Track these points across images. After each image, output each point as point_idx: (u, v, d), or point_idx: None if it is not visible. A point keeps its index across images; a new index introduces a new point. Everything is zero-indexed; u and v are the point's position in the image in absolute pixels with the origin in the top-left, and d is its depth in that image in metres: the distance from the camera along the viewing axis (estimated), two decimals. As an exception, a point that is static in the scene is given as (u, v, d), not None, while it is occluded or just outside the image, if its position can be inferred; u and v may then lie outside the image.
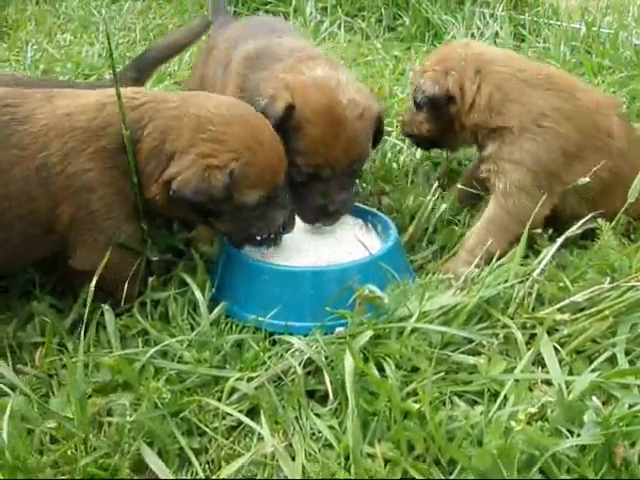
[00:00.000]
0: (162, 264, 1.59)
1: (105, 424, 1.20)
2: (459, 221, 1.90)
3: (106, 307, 1.37)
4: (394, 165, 2.20)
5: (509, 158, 1.75)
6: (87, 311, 1.25)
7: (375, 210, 1.78)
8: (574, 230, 1.67)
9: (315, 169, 1.63)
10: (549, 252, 1.59)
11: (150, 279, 1.50)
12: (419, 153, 2.28)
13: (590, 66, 3.30)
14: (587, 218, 1.70)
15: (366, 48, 4.00)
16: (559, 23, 4.18)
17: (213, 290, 1.48)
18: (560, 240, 1.61)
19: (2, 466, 1.09)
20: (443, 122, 1.86)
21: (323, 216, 1.68)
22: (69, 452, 1.12)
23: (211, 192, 1.35)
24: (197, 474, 1.11)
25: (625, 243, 1.89)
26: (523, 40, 4.07)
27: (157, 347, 1.26)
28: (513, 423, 1.09)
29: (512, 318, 1.45)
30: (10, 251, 1.39)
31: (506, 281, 1.49)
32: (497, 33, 3.93)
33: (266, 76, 1.73)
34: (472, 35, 4.03)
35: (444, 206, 1.84)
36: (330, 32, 4.34)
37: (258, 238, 1.48)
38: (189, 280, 1.47)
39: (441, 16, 4.22)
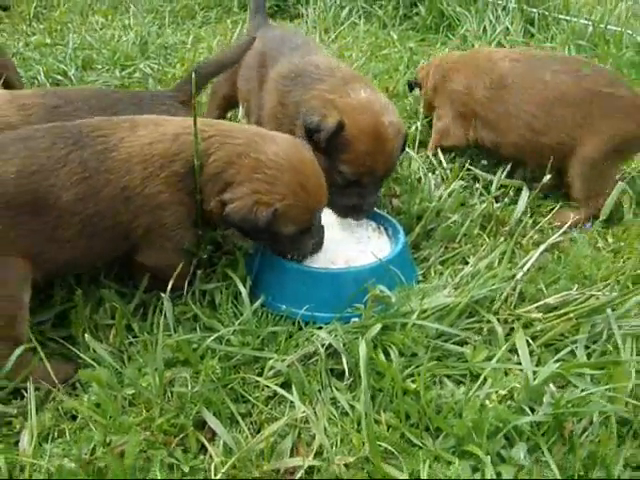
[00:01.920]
0: (207, 258, 1.90)
1: (168, 392, 1.54)
2: (458, 222, 2.20)
3: (165, 296, 1.69)
4: (405, 171, 2.48)
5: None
6: (168, 303, 1.59)
7: (387, 215, 2.08)
8: (555, 238, 2.00)
9: (358, 177, 1.95)
10: (532, 258, 1.90)
11: (198, 272, 1.82)
12: (428, 161, 2.58)
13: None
14: (567, 225, 2.03)
15: (383, 39, 4.21)
16: (568, 18, 4.35)
17: (250, 283, 1.81)
18: (542, 247, 1.93)
19: (97, 424, 1.43)
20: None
21: (355, 212, 2.01)
22: (146, 414, 1.46)
23: (255, 222, 1.64)
24: (244, 432, 1.45)
25: (601, 247, 2.19)
26: (533, 36, 4.27)
27: (215, 335, 1.59)
28: (487, 402, 1.42)
29: (496, 314, 1.77)
30: (96, 253, 1.71)
31: (494, 284, 1.80)
32: (508, 29, 4.12)
33: (313, 94, 2.01)
34: (484, 29, 4.23)
35: (455, 217, 2.14)
36: (349, 20, 4.56)
37: (288, 256, 1.80)
38: (233, 275, 1.79)
39: (455, 8, 4.40)
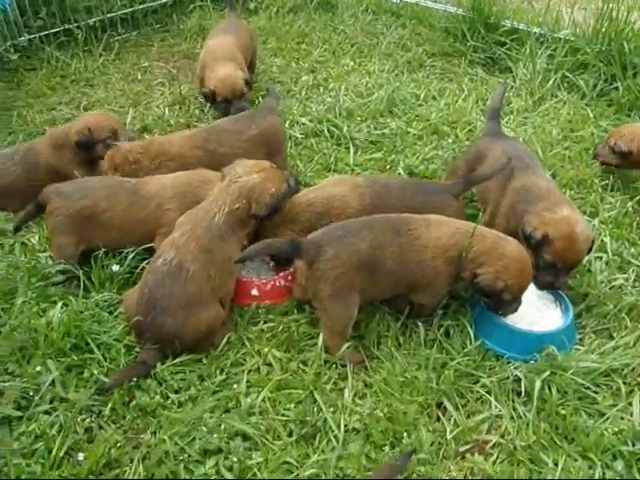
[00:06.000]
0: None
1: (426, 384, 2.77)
2: (611, 306, 3.19)
3: (421, 325, 2.94)
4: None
5: None
6: (423, 330, 2.91)
7: (562, 293, 3.14)
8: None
9: (554, 263, 3.04)
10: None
11: (439, 312, 3.03)
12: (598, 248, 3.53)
13: None
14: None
15: (580, 115, 4.98)
16: None
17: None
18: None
19: (383, 394, 2.70)
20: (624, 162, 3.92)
21: (550, 287, 3.11)
22: (414, 393, 2.71)
23: (492, 289, 2.82)
24: (462, 415, 2.65)
25: None
26: None
27: (455, 361, 2.79)
28: (605, 432, 2.50)
29: (624, 377, 2.80)
30: (392, 292, 2.98)
31: (626, 358, 2.82)
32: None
33: (532, 209, 3.12)
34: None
35: (610, 305, 3.14)
36: (551, 88, 5.32)
37: (498, 311, 2.94)
38: (463, 318, 2.99)
39: (650, 93, 5.04)
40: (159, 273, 2.82)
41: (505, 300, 2.87)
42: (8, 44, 5.54)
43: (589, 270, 3.39)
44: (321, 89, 5.24)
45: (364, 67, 5.72)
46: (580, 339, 3.05)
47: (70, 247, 3.26)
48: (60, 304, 2.97)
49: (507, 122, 4.85)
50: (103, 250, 3.21)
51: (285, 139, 4.15)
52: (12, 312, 2.99)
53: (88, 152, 3.79)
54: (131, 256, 3.22)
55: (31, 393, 2.62)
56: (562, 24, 5.79)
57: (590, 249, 3.14)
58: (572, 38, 5.56)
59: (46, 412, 2.58)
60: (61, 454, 2.42)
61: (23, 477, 2.32)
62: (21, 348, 2.80)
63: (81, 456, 2.41)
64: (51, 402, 2.62)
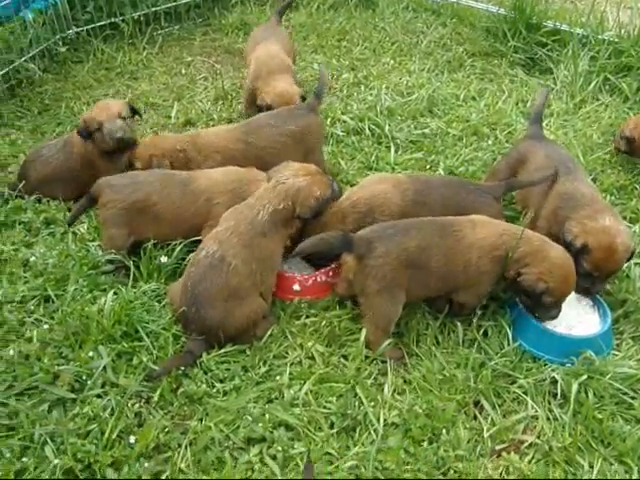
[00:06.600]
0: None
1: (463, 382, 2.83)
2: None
3: (459, 325, 2.99)
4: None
5: None
6: (461, 328, 2.93)
7: (601, 298, 3.17)
8: None
9: (592, 270, 3.08)
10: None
11: (478, 312, 3.08)
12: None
13: None
14: None
15: (621, 119, 4.92)
16: None
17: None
18: None
19: (421, 389, 2.77)
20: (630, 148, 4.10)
21: (586, 292, 3.15)
22: (452, 390, 2.77)
23: (534, 289, 2.87)
24: (499, 414, 2.71)
25: None
26: None
27: (493, 362, 2.85)
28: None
29: (660, 385, 2.83)
30: (435, 292, 3.04)
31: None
32: None
33: (574, 216, 3.15)
34: None
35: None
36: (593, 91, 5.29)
37: (536, 315, 2.99)
38: (501, 319, 3.04)
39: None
40: (201, 266, 2.93)
41: (545, 303, 2.91)
42: (57, 37, 5.68)
43: (628, 276, 3.39)
44: (362, 87, 5.28)
45: (404, 66, 5.73)
46: (617, 345, 3.07)
47: (121, 238, 3.38)
48: (111, 293, 3.09)
49: (547, 125, 4.83)
50: (152, 242, 3.31)
51: (323, 138, 4.20)
52: (65, 299, 3.12)
53: (94, 142, 3.84)
54: (179, 248, 3.33)
55: (84, 377, 2.75)
56: (606, 25, 5.72)
57: (630, 258, 3.16)
58: (616, 40, 5.48)
59: (98, 396, 2.70)
60: (113, 436, 2.54)
61: (79, 456, 2.44)
62: (74, 334, 2.92)
63: (132, 439, 2.53)
64: (103, 386, 2.74)
